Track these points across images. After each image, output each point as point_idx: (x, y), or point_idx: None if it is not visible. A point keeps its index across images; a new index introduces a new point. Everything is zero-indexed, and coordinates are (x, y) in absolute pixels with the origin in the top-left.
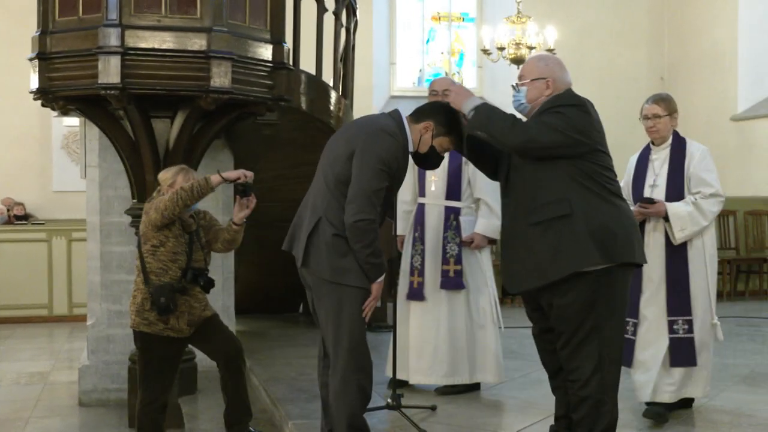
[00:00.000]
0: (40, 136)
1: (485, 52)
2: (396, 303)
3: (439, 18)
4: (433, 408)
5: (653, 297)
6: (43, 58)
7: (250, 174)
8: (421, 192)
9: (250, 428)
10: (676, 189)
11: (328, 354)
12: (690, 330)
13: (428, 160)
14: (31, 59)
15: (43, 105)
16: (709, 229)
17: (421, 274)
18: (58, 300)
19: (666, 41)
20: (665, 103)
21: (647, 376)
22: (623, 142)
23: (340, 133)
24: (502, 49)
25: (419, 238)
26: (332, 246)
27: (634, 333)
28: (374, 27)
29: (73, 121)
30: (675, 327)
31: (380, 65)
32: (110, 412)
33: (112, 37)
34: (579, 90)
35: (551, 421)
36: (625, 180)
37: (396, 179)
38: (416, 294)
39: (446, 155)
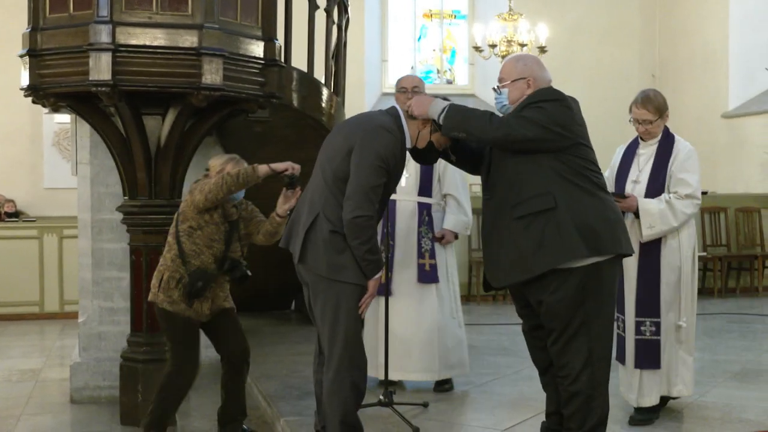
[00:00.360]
0: (31, 133)
1: (477, 49)
2: (387, 300)
3: (431, 15)
4: (425, 405)
5: (628, 296)
6: (34, 54)
7: (297, 167)
8: (384, 205)
9: (244, 426)
10: (657, 187)
11: (324, 351)
12: (657, 332)
13: (426, 155)
14: (21, 56)
15: (33, 102)
16: (687, 230)
17: (389, 269)
18: (50, 297)
19: (657, 39)
20: (654, 105)
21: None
22: (613, 139)
23: (338, 130)
24: (493, 46)
25: (389, 234)
26: (329, 242)
27: (624, 329)
28: (366, 24)
29: (64, 118)
30: (642, 328)
31: (372, 62)
32: (102, 410)
33: (103, 34)
34: (570, 87)
35: (542, 417)
36: (609, 171)
37: (393, 176)
38: (383, 289)
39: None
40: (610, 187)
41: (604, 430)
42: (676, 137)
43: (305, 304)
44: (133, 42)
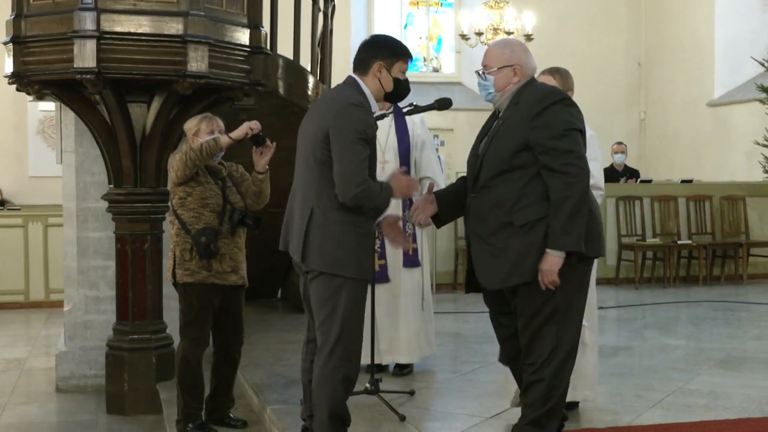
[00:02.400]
0: (15, 121)
1: (463, 37)
2: (374, 287)
3: (417, 3)
4: (412, 393)
5: None
6: (18, 42)
7: (255, 125)
8: (372, 177)
9: (231, 415)
10: None
11: (314, 339)
12: None
13: (399, 92)
14: (5, 43)
15: (18, 89)
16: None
17: (383, 256)
18: (35, 286)
19: (643, 27)
20: (561, 77)
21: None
22: (601, 126)
23: (309, 118)
24: (480, 34)
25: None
26: (329, 235)
27: None
28: (352, 12)
29: (49, 105)
30: None
31: None
32: (88, 398)
33: (87, 21)
34: None
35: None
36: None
37: (372, 146)
38: (381, 276)
39: (395, 138)
40: (598, 180)
41: (559, 422)
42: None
43: (299, 293)
44: (118, 29)
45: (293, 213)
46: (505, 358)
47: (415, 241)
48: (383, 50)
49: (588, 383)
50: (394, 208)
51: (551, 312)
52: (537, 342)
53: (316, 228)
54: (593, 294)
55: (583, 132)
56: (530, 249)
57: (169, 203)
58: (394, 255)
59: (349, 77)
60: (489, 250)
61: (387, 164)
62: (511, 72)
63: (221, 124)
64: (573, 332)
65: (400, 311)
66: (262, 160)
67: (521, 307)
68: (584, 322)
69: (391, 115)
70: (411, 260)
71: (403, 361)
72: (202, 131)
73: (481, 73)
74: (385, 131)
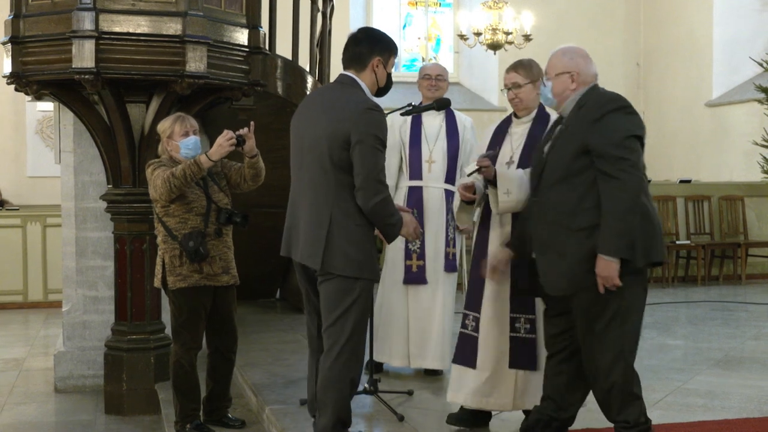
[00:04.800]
0: (14, 121)
1: (462, 37)
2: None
3: (416, 3)
4: (410, 393)
5: (498, 293)
6: (16, 42)
7: (231, 138)
8: (416, 175)
9: (229, 414)
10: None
11: (317, 337)
12: (532, 330)
13: (387, 87)
14: (3, 43)
15: (16, 89)
16: None
17: (421, 257)
18: (33, 286)
19: (642, 28)
20: (525, 69)
21: (477, 377)
22: None
23: (311, 120)
24: (478, 34)
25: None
26: (351, 240)
27: (476, 329)
28: (351, 12)
29: (48, 105)
30: (516, 325)
31: None
32: (86, 398)
33: (86, 21)
34: None
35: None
36: (476, 153)
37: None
38: (417, 278)
39: (445, 140)
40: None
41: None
42: (552, 116)
43: (297, 293)
44: (117, 29)
45: (298, 219)
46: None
47: (454, 245)
48: (380, 45)
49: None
50: (438, 207)
51: (612, 316)
52: (599, 346)
53: (338, 233)
54: None
55: (642, 139)
56: (589, 255)
57: (153, 211)
58: (434, 258)
59: (346, 76)
60: (549, 254)
61: (434, 164)
62: (568, 78)
63: (195, 123)
64: (633, 335)
65: (434, 315)
66: (248, 146)
67: (581, 312)
68: None
69: (442, 116)
70: (451, 265)
71: (433, 366)
72: (176, 133)
73: (543, 80)
74: (435, 131)
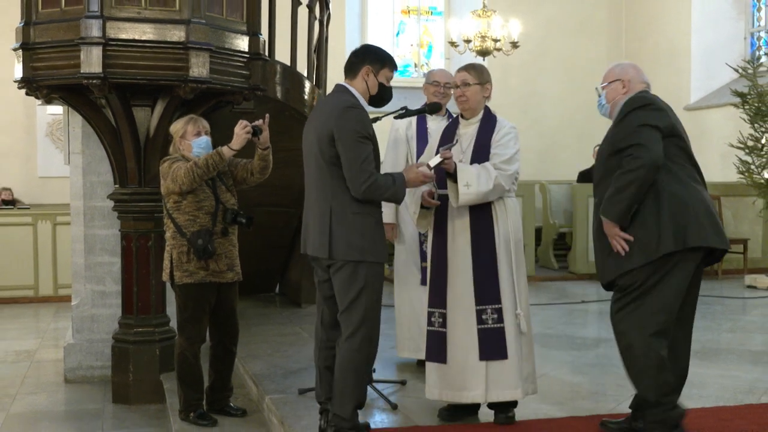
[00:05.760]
0: (25, 124)
1: (452, 44)
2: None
3: (409, 11)
4: (403, 383)
5: (463, 288)
6: (27, 48)
7: (248, 128)
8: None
9: (230, 404)
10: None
11: (326, 325)
12: (500, 319)
13: (383, 97)
14: (15, 49)
15: (27, 94)
16: (511, 216)
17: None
18: (44, 281)
19: (624, 35)
20: (477, 71)
21: (448, 372)
22: (584, 129)
23: (311, 126)
24: (468, 41)
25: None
26: (352, 227)
27: (444, 325)
28: (347, 20)
29: (57, 109)
30: (483, 317)
31: None
32: (94, 388)
33: (93, 29)
34: (544, 80)
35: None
36: (426, 153)
37: (374, 141)
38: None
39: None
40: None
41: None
42: (498, 117)
43: (296, 288)
44: (123, 36)
45: (309, 217)
46: None
47: None
48: (371, 56)
49: (533, 376)
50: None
51: (634, 297)
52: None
53: (338, 223)
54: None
55: (659, 128)
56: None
57: (164, 207)
58: None
59: (339, 85)
60: (598, 245)
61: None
62: (620, 85)
63: (206, 124)
64: (663, 316)
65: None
66: (262, 138)
67: (616, 290)
68: (517, 309)
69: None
70: None
71: None
72: (188, 133)
73: (597, 89)
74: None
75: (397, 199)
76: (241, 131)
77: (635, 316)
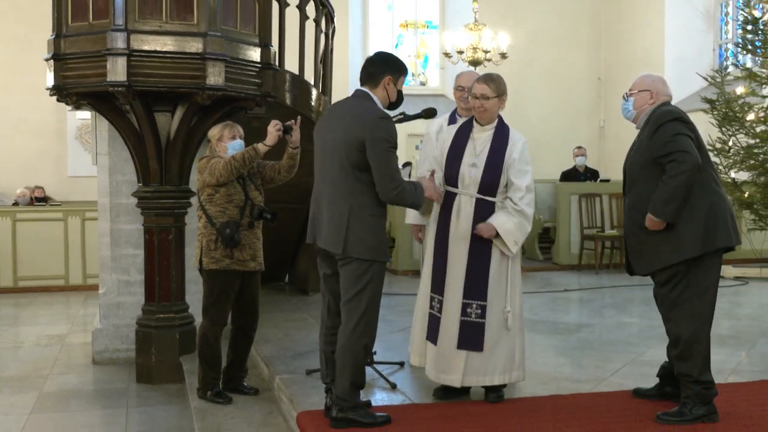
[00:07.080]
0: (56, 128)
1: (446, 55)
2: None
3: (407, 25)
4: (402, 364)
5: (456, 278)
6: (58, 58)
7: (279, 125)
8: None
9: (244, 383)
10: (493, 172)
11: (333, 314)
12: (482, 315)
13: (399, 102)
14: (47, 60)
15: (58, 100)
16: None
17: None
18: (74, 271)
19: (603, 46)
20: (495, 84)
21: (435, 353)
22: (566, 132)
23: (331, 127)
24: (461, 52)
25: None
26: (369, 227)
27: (440, 310)
28: (350, 33)
29: (85, 114)
30: (468, 310)
31: (355, 66)
32: (120, 369)
33: (119, 41)
34: (530, 87)
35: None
36: (438, 151)
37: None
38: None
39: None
40: (440, 166)
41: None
42: (510, 128)
43: (304, 278)
44: (146, 48)
45: (321, 212)
46: None
47: None
48: (392, 66)
49: (516, 365)
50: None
51: (677, 296)
52: (670, 320)
53: (356, 222)
54: (518, 278)
55: (691, 137)
56: (659, 244)
57: (198, 199)
58: None
59: (361, 91)
60: (633, 243)
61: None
62: (648, 95)
63: (241, 130)
64: (704, 317)
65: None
66: (294, 137)
67: (659, 284)
68: (506, 306)
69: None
70: None
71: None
72: (225, 137)
73: (625, 95)
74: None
75: (417, 206)
76: (272, 129)
77: (686, 307)
